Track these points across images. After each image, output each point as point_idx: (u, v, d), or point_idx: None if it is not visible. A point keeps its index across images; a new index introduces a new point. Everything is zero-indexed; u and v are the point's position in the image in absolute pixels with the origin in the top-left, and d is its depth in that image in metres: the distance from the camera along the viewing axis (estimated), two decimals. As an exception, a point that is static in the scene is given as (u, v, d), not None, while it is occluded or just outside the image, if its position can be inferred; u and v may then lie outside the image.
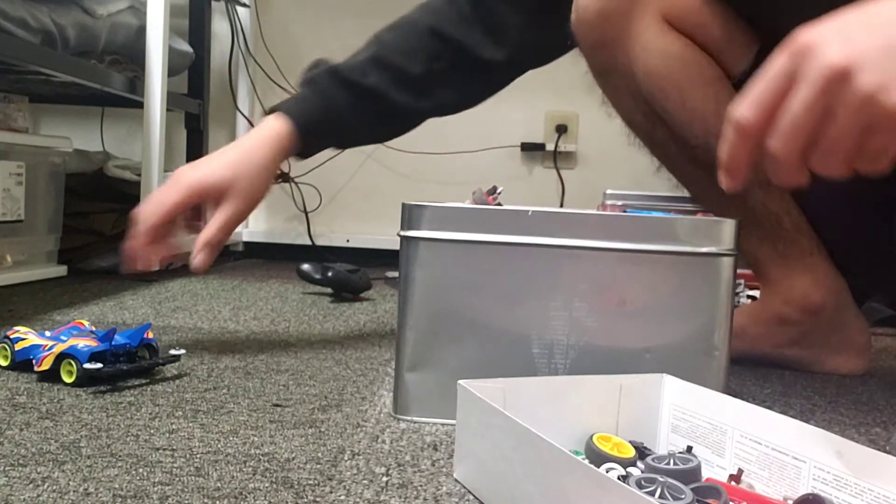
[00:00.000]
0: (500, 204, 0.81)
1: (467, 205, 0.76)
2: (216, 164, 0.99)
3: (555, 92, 2.19)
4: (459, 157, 2.22)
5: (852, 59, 0.53)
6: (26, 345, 0.85)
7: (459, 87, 1.10)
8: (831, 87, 0.54)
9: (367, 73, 1.04)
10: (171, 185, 0.97)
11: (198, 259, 0.95)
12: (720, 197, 1.05)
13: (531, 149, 2.23)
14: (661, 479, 0.52)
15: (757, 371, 1.06)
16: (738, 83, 0.99)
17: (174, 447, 0.64)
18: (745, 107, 0.56)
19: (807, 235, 1.04)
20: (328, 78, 1.04)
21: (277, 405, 0.78)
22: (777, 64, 0.56)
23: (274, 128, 1.01)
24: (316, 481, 0.58)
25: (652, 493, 0.51)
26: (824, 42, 0.55)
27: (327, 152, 2.28)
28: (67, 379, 0.80)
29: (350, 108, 1.04)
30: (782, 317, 1.05)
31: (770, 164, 0.57)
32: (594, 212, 0.77)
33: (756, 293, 1.45)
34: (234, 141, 1.04)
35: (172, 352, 0.88)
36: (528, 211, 0.74)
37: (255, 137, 1.01)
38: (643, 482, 0.52)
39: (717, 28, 0.97)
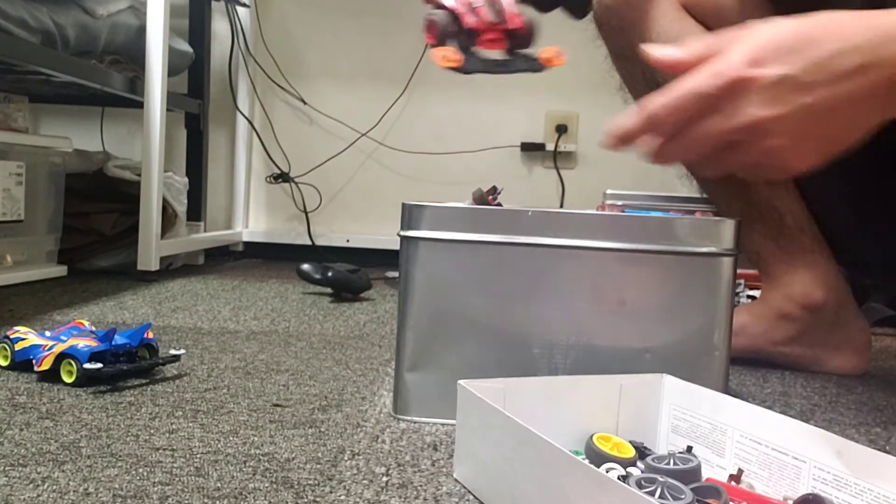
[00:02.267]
0: (500, 204, 0.81)
1: (467, 205, 0.76)
2: None
3: (555, 92, 2.19)
4: (459, 157, 2.22)
5: (776, 119, 0.57)
6: (26, 345, 0.85)
7: None
8: (748, 135, 0.58)
9: None
10: None
11: None
12: (726, 190, 1.06)
13: (531, 149, 2.23)
14: (661, 479, 0.52)
15: (757, 371, 1.06)
16: None
17: (174, 447, 0.64)
18: (664, 105, 0.58)
19: (809, 233, 1.04)
20: None
21: (277, 405, 0.78)
22: (707, 81, 0.57)
23: None
24: (316, 481, 0.58)
25: (652, 493, 0.51)
26: (759, 89, 0.57)
27: (327, 152, 2.29)
28: (67, 379, 0.80)
29: None
30: (783, 313, 1.06)
31: (656, 150, 0.61)
32: (594, 212, 0.77)
33: (756, 293, 1.45)
34: None
35: (172, 352, 0.88)
36: (528, 211, 0.74)
37: None
38: (643, 482, 0.52)
39: (734, 17, 0.98)
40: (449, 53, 0.69)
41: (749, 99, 0.57)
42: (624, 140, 0.61)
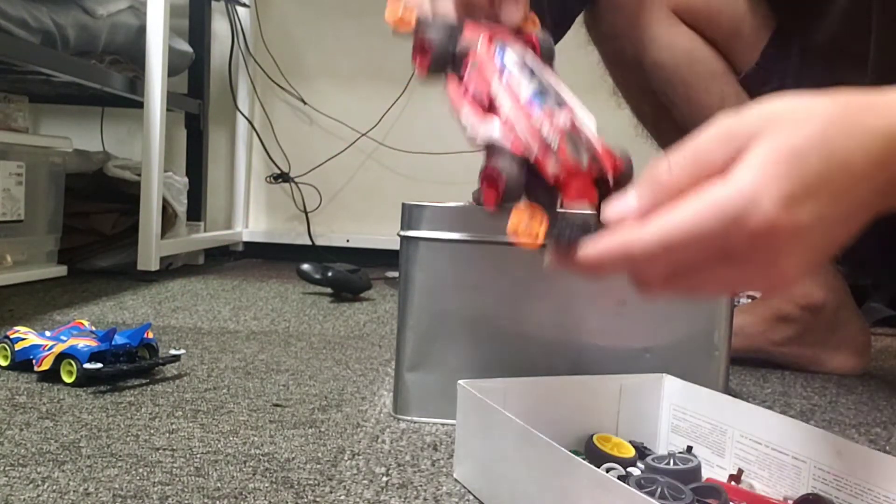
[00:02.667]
0: (500, 204, 0.80)
1: (467, 205, 0.76)
2: None
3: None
4: (459, 157, 2.22)
5: (801, 269, 0.42)
6: (26, 345, 0.85)
7: None
8: (762, 286, 0.44)
9: None
10: None
11: None
12: None
13: (531, 149, 2.23)
14: (661, 480, 0.52)
15: (757, 371, 1.06)
16: (744, 79, 1.00)
17: (174, 447, 0.64)
18: (655, 243, 0.40)
19: None
20: None
21: (277, 405, 0.78)
22: (723, 226, 0.39)
23: None
24: (316, 481, 0.58)
25: (652, 494, 0.51)
26: (794, 240, 0.39)
27: (327, 152, 2.29)
28: (67, 379, 0.80)
29: None
30: (782, 314, 1.06)
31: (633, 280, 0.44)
32: (594, 212, 0.76)
33: (756, 294, 1.44)
34: None
35: (172, 352, 0.88)
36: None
37: None
38: (643, 482, 0.52)
39: (724, 23, 0.99)
40: (538, 227, 0.45)
41: (779, 250, 0.40)
42: (590, 270, 0.43)
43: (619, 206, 0.43)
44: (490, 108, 0.50)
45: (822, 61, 0.97)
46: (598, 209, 0.46)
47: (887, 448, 0.75)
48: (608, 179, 0.47)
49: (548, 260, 0.45)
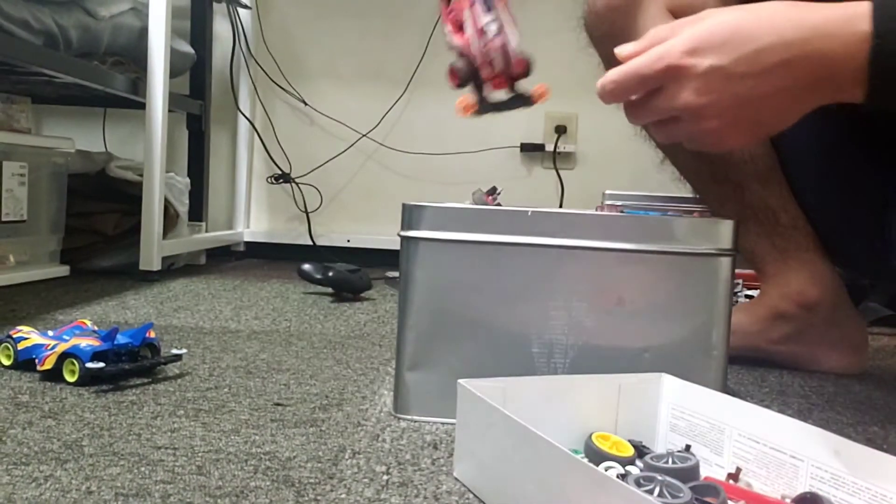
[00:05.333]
0: (499, 204, 0.81)
1: (467, 205, 0.77)
2: None
3: (554, 92, 2.18)
4: (459, 158, 2.22)
5: (707, 105, 0.63)
6: (29, 344, 0.85)
7: None
8: (684, 115, 0.65)
9: None
10: None
11: None
12: (719, 190, 1.06)
13: (531, 149, 2.23)
14: (659, 478, 0.53)
15: (755, 370, 1.06)
16: None
17: (176, 446, 0.64)
18: (613, 80, 0.67)
19: (803, 231, 1.05)
20: None
21: (278, 404, 0.78)
22: (647, 64, 0.65)
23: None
24: (317, 480, 0.59)
25: (650, 492, 0.51)
26: (693, 77, 0.63)
27: (328, 153, 2.29)
28: (70, 378, 0.81)
29: None
30: (779, 312, 1.06)
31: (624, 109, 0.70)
32: (593, 212, 0.77)
33: (754, 293, 1.45)
34: None
35: (174, 351, 0.89)
36: (527, 211, 0.74)
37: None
38: (642, 481, 0.53)
39: None
40: (468, 103, 0.78)
41: (684, 84, 0.63)
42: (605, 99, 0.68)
43: (626, 48, 0.68)
44: (461, 26, 0.77)
45: None
46: (512, 89, 0.79)
47: (885, 447, 0.76)
48: (516, 76, 0.78)
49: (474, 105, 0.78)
